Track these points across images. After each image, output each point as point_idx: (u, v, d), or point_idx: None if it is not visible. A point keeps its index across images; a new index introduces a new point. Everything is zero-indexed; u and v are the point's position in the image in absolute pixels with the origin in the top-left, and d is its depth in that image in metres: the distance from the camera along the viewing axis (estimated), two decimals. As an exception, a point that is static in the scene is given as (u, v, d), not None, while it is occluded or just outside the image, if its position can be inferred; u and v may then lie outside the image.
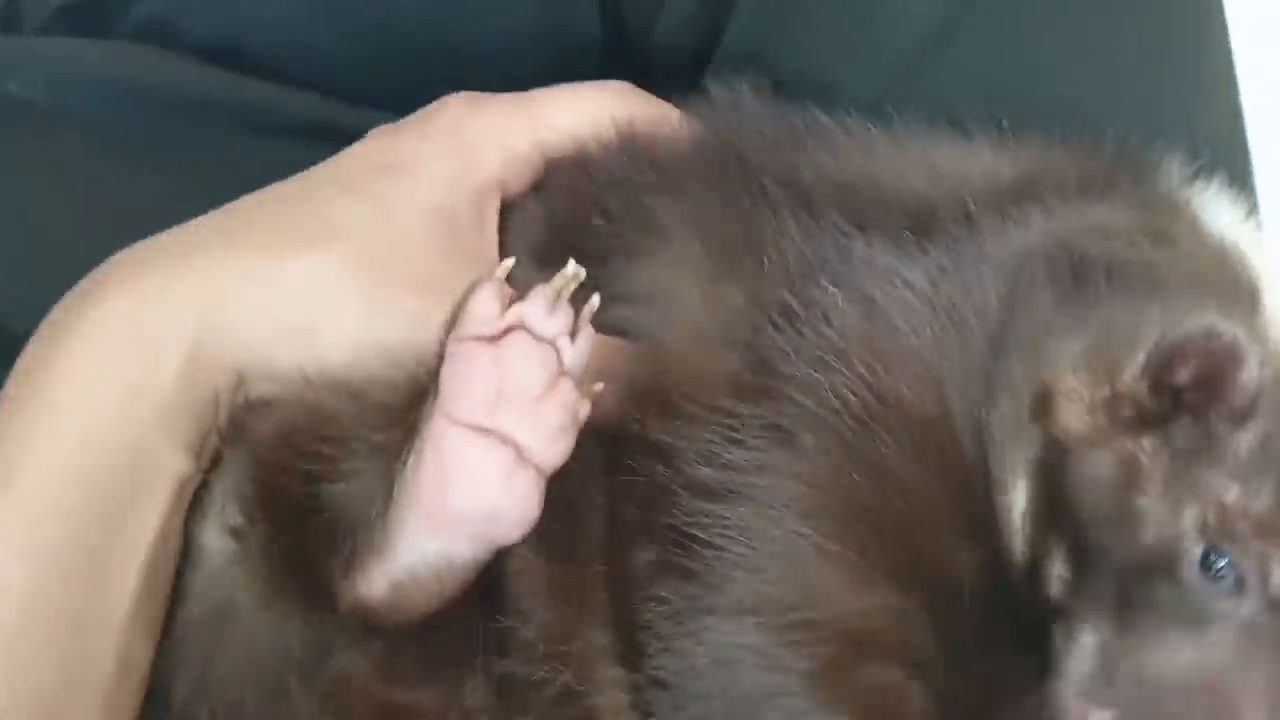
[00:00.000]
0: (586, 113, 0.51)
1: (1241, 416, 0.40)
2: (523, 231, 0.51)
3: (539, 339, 0.41)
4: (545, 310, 0.41)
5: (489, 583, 0.45)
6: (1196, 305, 0.41)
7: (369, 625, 0.43)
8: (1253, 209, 0.48)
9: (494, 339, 0.41)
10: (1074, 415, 0.41)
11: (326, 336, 0.46)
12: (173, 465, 0.45)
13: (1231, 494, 0.39)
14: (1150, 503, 0.40)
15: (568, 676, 0.43)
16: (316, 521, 0.43)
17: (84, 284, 0.46)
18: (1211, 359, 0.39)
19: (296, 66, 0.58)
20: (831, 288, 0.45)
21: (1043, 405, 0.42)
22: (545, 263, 0.48)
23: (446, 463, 0.40)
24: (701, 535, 0.43)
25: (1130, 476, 0.40)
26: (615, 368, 0.45)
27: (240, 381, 0.46)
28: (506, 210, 0.51)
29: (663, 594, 0.43)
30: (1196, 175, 0.48)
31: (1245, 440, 0.40)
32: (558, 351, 0.41)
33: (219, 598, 0.46)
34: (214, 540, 0.46)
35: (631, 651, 0.43)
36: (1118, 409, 0.41)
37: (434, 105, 0.52)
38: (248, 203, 0.48)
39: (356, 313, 0.46)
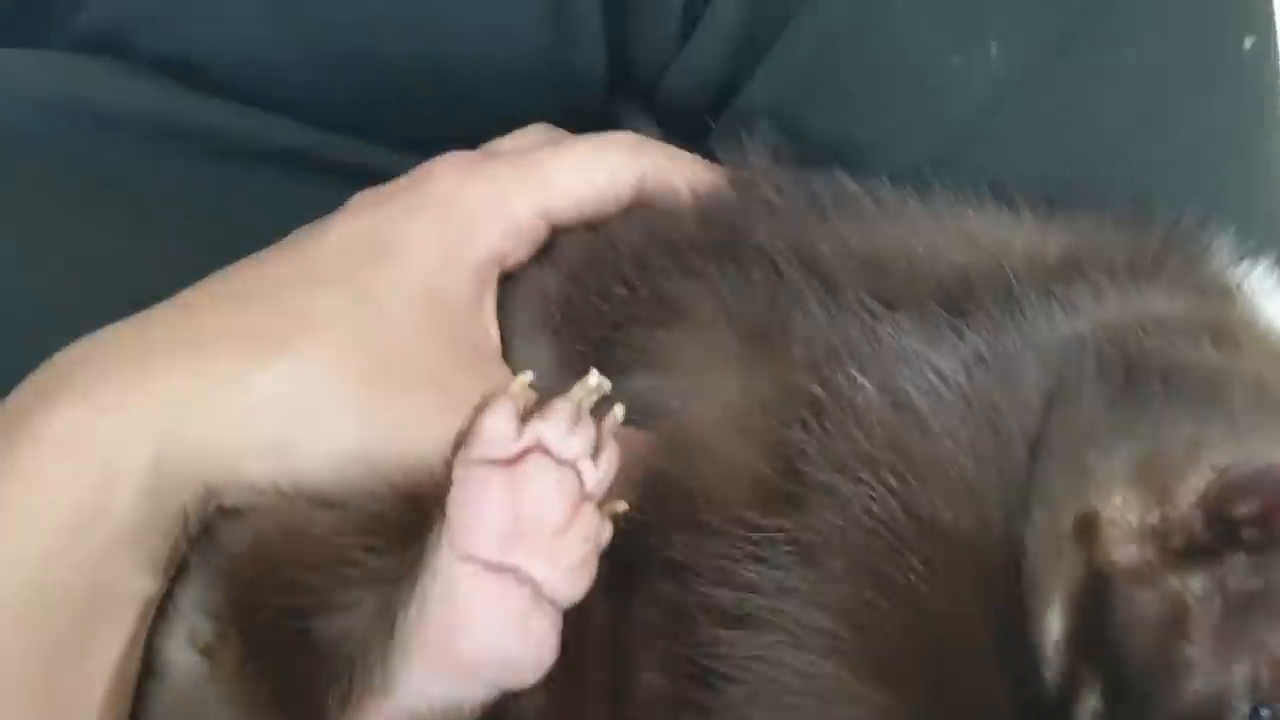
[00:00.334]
0: (595, 175, 0.46)
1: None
2: (530, 303, 0.46)
3: (559, 461, 0.36)
4: (566, 429, 0.37)
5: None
6: (1263, 430, 0.38)
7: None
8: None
9: (509, 462, 0.36)
10: (1119, 543, 0.39)
11: (307, 449, 0.42)
12: (136, 587, 0.41)
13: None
14: (1198, 652, 0.37)
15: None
16: (306, 658, 0.39)
17: (28, 391, 0.42)
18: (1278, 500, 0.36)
19: (266, 91, 0.52)
20: (860, 377, 0.42)
21: (1086, 529, 0.39)
22: (559, 337, 0.45)
23: (457, 604, 0.36)
24: (718, 666, 0.40)
25: (1178, 622, 0.37)
26: (632, 451, 0.41)
27: (210, 494, 0.41)
28: (508, 280, 0.47)
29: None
30: (1246, 257, 0.45)
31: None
32: (579, 474, 0.37)
33: (186, 716, 0.42)
34: (180, 655, 0.43)
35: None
36: (1167, 539, 0.38)
37: (422, 170, 0.47)
38: (210, 295, 0.44)
39: (341, 422, 0.42)
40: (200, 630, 0.42)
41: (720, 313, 0.44)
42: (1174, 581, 0.37)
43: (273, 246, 0.46)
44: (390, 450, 0.42)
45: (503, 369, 0.46)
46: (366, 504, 0.40)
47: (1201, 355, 0.41)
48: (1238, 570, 0.37)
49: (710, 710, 0.39)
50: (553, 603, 0.37)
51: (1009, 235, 0.45)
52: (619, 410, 0.39)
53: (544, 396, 0.38)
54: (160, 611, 0.43)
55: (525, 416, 0.38)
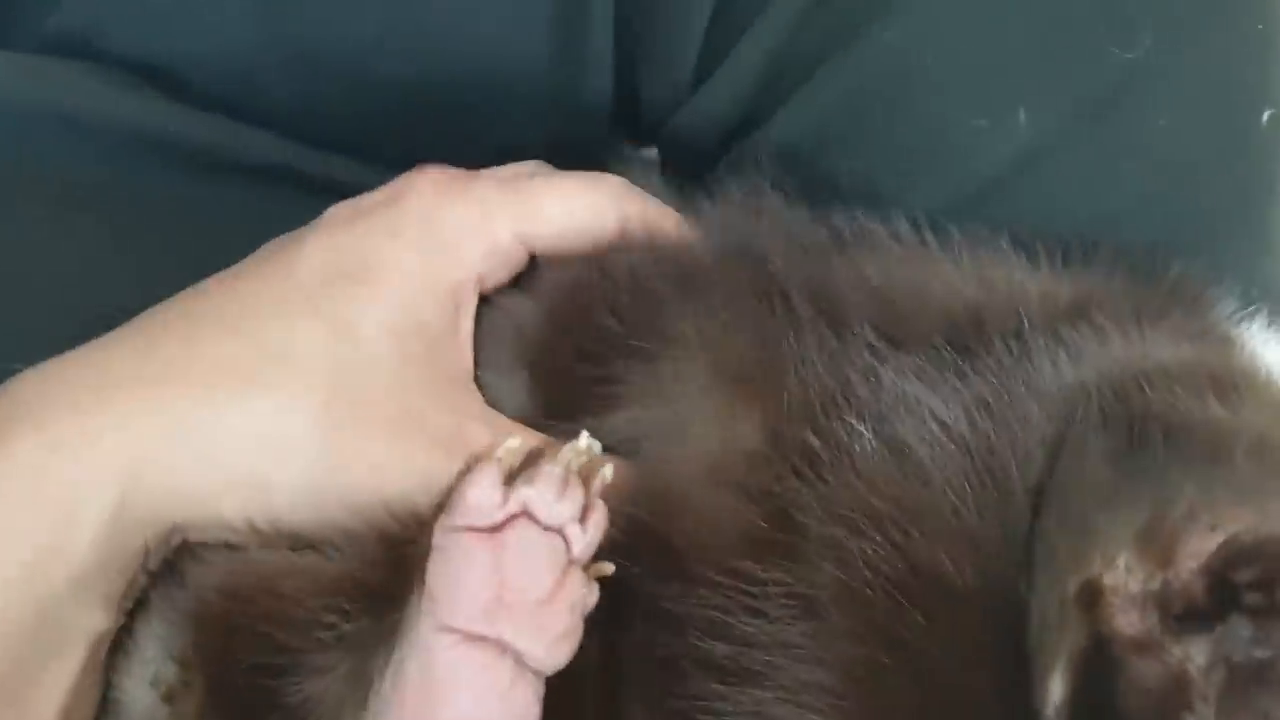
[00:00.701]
0: (579, 209, 0.45)
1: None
2: (504, 335, 0.45)
3: (545, 528, 0.35)
4: (554, 495, 0.35)
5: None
6: (1265, 492, 0.38)
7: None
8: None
9: (493, 529, 0.35)
10: (1122, 611, 0.38)
11: (281, 487, 0.40)
12: (90, 623, 0.40)
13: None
14: None
15: None
16: (276, 716, 0.37)
17: None
18: None
19: (248, 103, 0.50)
20: (858, 425, 0.41)
21: (1088, 596, 0.39)
22: (534, 372, 0.44)
23: (435, 676, 0.35)
24: (711, 720, 0.39)
25: (1180, 691, 0.37)
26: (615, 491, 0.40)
27: (175, 530, 0.39)
28: (482, 306, 0.45)
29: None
30: (1247, 310, 0.46)
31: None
32: (566, 540, 0.35)
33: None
34: (140, 696, 0.42)
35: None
36: (1169, 604, 0.38)
37: (401, 184, 0.45)
38: (178, 320, 0.42)
39: (316, 460, 0.40)
40: (163, 673, 0.41)
41: (709, 352, 0.43)
42: (1176, 650, 0.37)
43: (243, 264, 0.44)
44: (367, 487, 0.41)
45: (477, 400, 0.44)
46: (343, 550, 0.39)
47: (1204, 410, 0.41)
48: (1240, 636, 0.37)
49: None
50: (536, 673, 0.36)
51: (1025, 279, 0.44)
52: (609, 471, 0.37)
53: (530, 455, 0.37)
54: (117, 645, 0.41)
55: (509, 478, 0.36)
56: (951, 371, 0.42)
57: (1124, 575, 0.38)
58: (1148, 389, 0.41)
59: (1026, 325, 0.42)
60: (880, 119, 0.47)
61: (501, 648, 0.35)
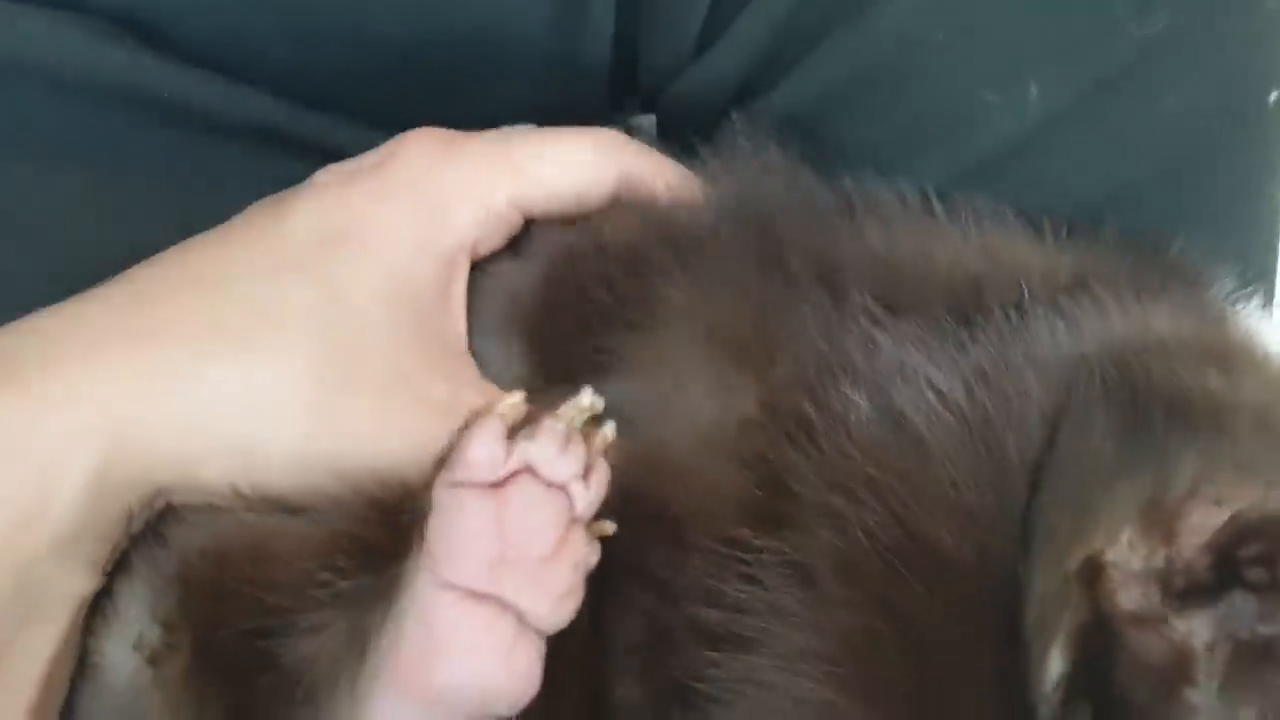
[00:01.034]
0: (575, 168, 0.45)
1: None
2: (499, 300, 0.44)
3: (548, 484, 0.35)
4: (556, 450, 0.35)
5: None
6: (1267, 466, 0.38)
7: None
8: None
9: (495, 485, 0.34)
10: (1124, 587, 0.38)
11: (268, 451, 0.40)
12: (71, 586, 0.39)
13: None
14: (1202, 697, 0.37)
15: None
16: (267, 679, 0.37)
17: None
18: None
19: (239, 60, 0.49)
20: (854, 394, 0.41)
21: (1090, 571, 0.39)
22: (530, 337, 0.44)
23: (436, 634, 0.35)
24: (702, 686, 0.39)
25: (1182, 666, 0.37)
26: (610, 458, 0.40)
27: (160, 494, 0.39)
28: (475, 273, 0.45)
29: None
30: (1245, 287, 0.46)
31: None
32: (569, 497, 0.35)
33: (123, 721, 0.40)
34: (121, 658, 0.41)
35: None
36: (1171, 580, 0.38)
37: (393, 146, 0.44)
38: (164, 279, 0.41)
39: (304, 423, 0.40)
40: (147, 636, 0.40)
41: (703, 319, 0.43)
42: (1179, 626, 0.37)
43: (231, 224, 0.44)
44: (355, 455, 0.40)
45: (470, 366, 0.44)
46: (333, 514, 0.38)
47: (1205, 385, 0.41)
48: (1244, 612, 0.37)
49: (693, 730, 0.38)
50: (538, 631, 0.35)
51: (1028, 252, 0.45)
52: (610, 429, 0.37)
53: (531, 412, 0.36)
54: (96, 608, 0.41)
55: (511, 435, 0.36)
56: (950, 342, 0.42)
57: (1126, 551, 0.38)
58: (1148, 363, 0.42)
59: (1027, 297, 0.42)
60: (887, 91, 0.47)
61: (503, 606, 0.35)
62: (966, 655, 0.39)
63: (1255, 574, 0.37)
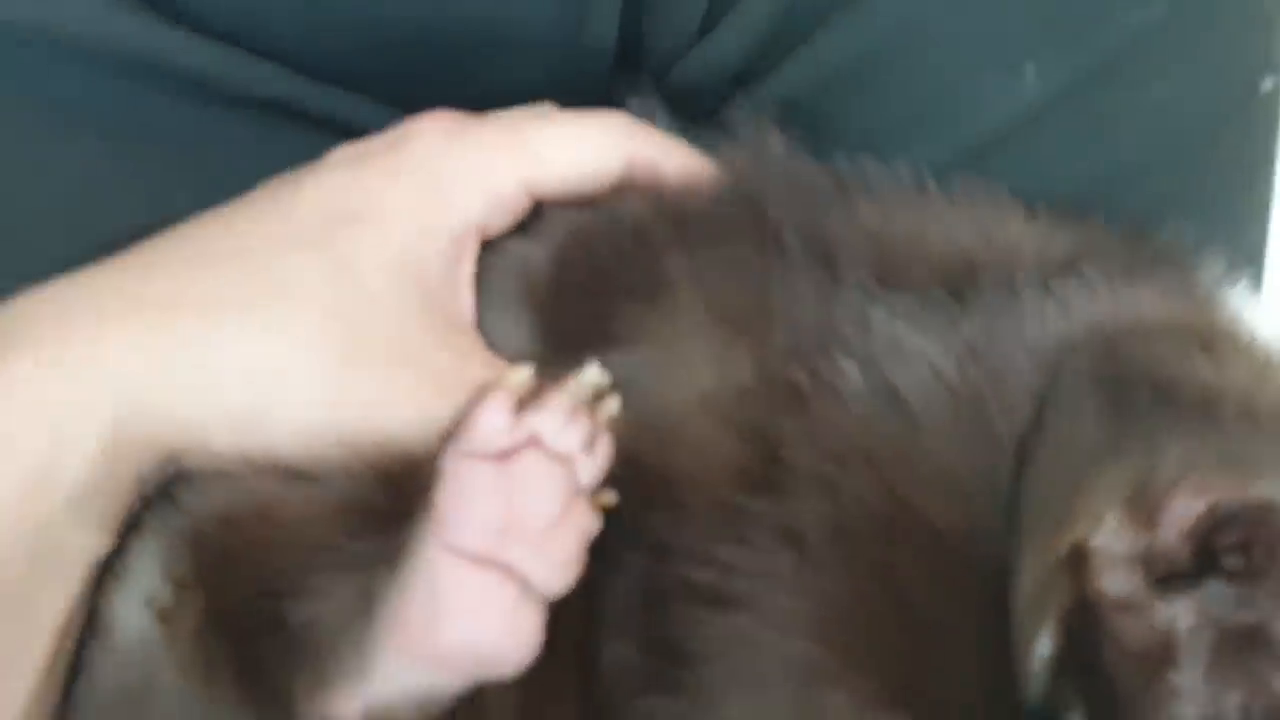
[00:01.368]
0: (583, 152, 0.46)
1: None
2: (508, 277, 0.46)
3: (553, 456, 0.36)
4: (562, 423, 0.36)
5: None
6: (1252, 452, 0.39)
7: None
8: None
9: (502, 456, 0.36)
10: (1109, 572, 0.39)
11: (276, 420, 0.41)
12: (83, 546, 0.41)
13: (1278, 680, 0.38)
14: (1186, 681, 0.38)
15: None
16: (274, 638, 0.38)
17: None
18: (1269, 537, 0.38)
19: (251, 34, 0.50)
20: (848, 368, 0.43)
21: (1076, 556, 0.40)
22: (539, 313, 0.45)
23: (441, 598, 0.36)
24: (693, 645, 0.40)
25: (1166, 650, 0.39)
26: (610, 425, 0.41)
27: (171, 458, 0.40)
28: (485, 251, 0.47)
29: (646, 707, 0.41)
30: (1232, 273, 0.47)
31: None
32: (573, 468, 0.36)
33: (133, 680, 0.42)
34: (132, 616, 0.42)
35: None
36: (1153, 566, 0.39)
37: (404, 130, 0.46)
38: (176, 251, 0.43)
39: (314, 395, 0.41)
40: (159, 595, 0.41)
41: (703, 293, 0.44)
42: (1162, 610, 0.38)
43: (242, 200, 0.45)
44: (362, 425, 0.41)
45: (477, 343, 0.46)
46: (341, 482, 0.39)
47: (1191, 369, 0.42)
48: (1223, 598, 0.38)
49: (683, 687, 0.40)
50: (540, 596, 0.37)
51: (1021, 232, 0.46)
52: (614, 403, 0.38)
53: (538, 385, 0.38)
54: (107, 567, 0.42)
55: (519, 406, 0.37)
56: (943, 318, 0.43)
57: (1111, 537, 0.39)
58: (1136, 346, 0.43)
59: (1019, 277, 0.44)
60: (885, 73, 0.49)
61: (507, 571, 0.36)
62: (952, 619, 0.40)
63: (1233, 561, 0.39)
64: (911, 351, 0.43)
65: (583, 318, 0.45)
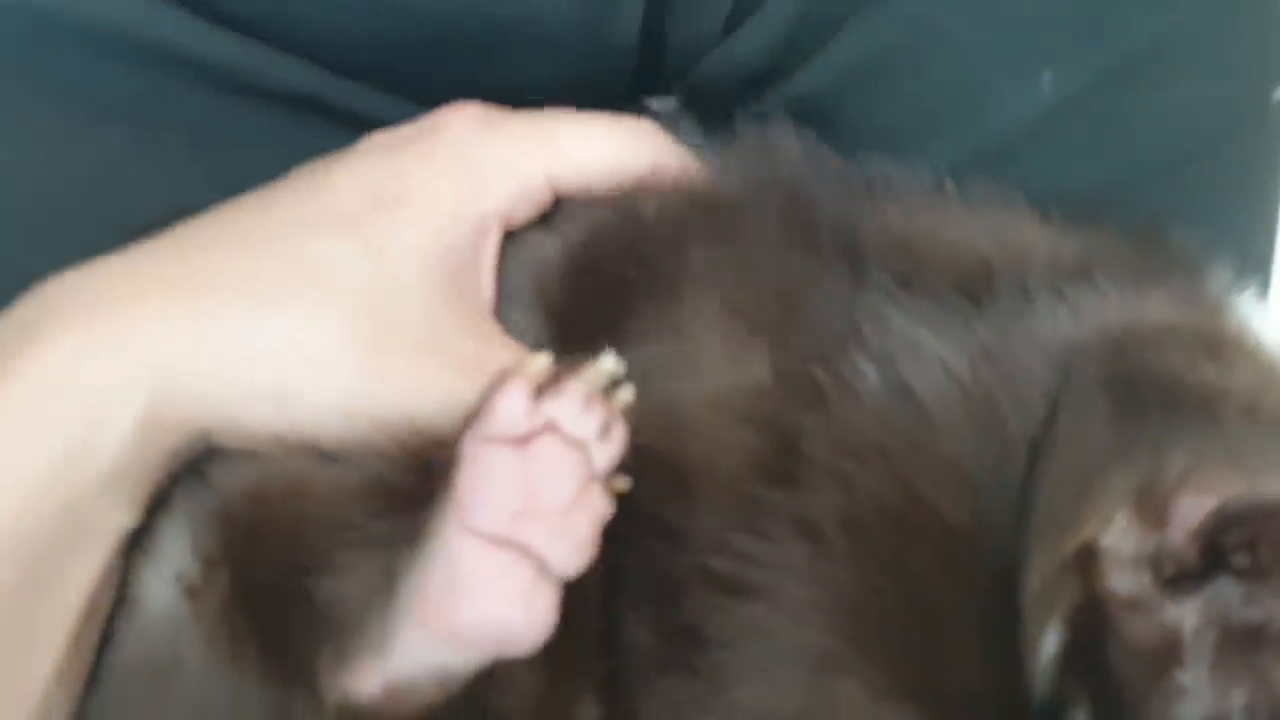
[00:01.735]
0: (607, 150, 0.48)
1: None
2: (530, 267, 0.47)
3: (570, 441, 0.37)
4: (579, 409, 0.38)
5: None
6: (1257, 454, 0.40)
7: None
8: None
9: (520, 441, 0.37)
10: (1116, 571, 0.41)
11: (307, 401, 0.42)
12: (115, 521, 0.42)
13: (1283, 678, 0.39)
14: (1192, 679, 0.39)
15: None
16: (298, 613, 0.40)
17: (14, 321, 0.42)
18: (1275, 535, 0.39)
19: (277, 28, 0.52)
20: (865, 366, 0.44)
21: (1084, 555, 0.41)
22: (556, 305, 0.46)
23: (460, 577, 0.38)
24: (709, 631, 0.41)
25: (1173, 648, 0.39)
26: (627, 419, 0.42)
27: (202, 436, 0.42)
28: (507, 242, 0.48)
29: (662, 689, 0.42)
30: (1240, 279, 0.48)
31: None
32: (589, 454, 0.38)
33: (160, 654, 0.44)
34: (160, 591, 0.44)
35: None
36: (1161, 565, 0.40)
37: (437, 118, 0.47)
38: (211, 234, 0.44)
39: (345, 377, 0.43)
40: (187, 570, 0.43)
41: (719, 291, 0.46)
42: (1169, 610, 0.39)
43: (275, 185, 0.46)
44: (389, 408, 0.43)
45: (497, 330, 0.47)
46: (367, 463, 0.41)
47: (1198, 373, 0.43)
48: (1230, 597, 0.39)
49: (698, 671, 0.41)
50: (555, 577, 0.38)
51: (1035, 236, 0.47)
52: (629, 391, 0.40)
53: (556, 372, 0.39)
54: (136, 542, 0.43)
55: (537, 393, 0.38)
56: (958, 320, 0.45)
57: (1119, 537, 0.40)
58: (1145, 350, 0.44)
59: (1032, 280, 0.45)
60: (904, 75, 0.50)
61: (524, 552, 0.38)
62: (962, 614, 0.41)
63: (1240, 560, 0.40)
64: (928, 352, 0.44)
65: (600, 311, 0.46)
